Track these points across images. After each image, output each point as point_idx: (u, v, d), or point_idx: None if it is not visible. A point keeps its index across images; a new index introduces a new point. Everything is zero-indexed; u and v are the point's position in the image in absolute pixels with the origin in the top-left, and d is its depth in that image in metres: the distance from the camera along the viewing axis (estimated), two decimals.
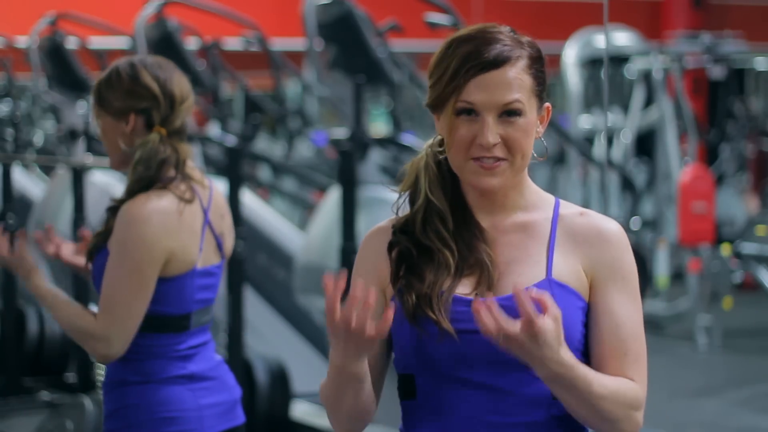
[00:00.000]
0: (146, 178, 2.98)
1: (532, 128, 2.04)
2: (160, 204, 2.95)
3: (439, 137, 2.11)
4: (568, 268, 2.05)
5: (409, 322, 2.02)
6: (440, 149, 2.11)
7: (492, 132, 2.00)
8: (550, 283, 2.03)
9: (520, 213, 2.10)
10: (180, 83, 3.06)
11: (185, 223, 2.98)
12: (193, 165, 3.08)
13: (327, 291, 1.91)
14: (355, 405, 2.06)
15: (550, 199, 2.14)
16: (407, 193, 2.13)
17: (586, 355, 2.07)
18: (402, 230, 2.09)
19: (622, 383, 2.02)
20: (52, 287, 3.03)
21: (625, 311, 2.06)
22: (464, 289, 2.03)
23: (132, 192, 2.99)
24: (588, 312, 2.07)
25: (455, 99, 2.01)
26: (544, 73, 2.07)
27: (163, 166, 2.99)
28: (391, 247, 2.09)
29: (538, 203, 2.11)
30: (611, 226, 2.09)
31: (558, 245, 2.07)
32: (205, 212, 3.04)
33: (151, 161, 2.98)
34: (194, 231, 3.00)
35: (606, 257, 2.07)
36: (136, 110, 3.02)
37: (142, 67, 3.03)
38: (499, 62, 2.01)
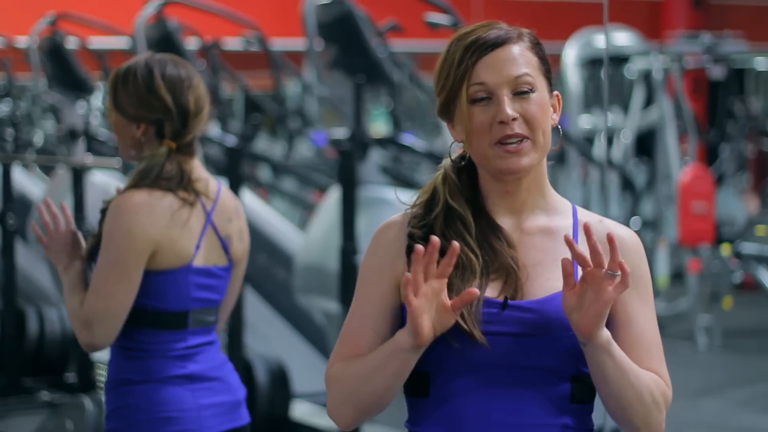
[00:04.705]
0: (143, 186, 2.98)
1: (547, 105, 2.06)
2: (149, 197, 2.95)
3: (457, 149, 2.10)
4: None
5: None
6: (459, 158, 2.10)
7: (509, 106, 2.01)
8: None
9: (542, 215, 2.10)
10: (197, 92, 3.05)
11: (178, 218, 2.97)
12: (199, 176, 3.04)
13: (416, 259, 1.91)
14: (383, 396, 2.02)
15: (568, 204, 2.14)
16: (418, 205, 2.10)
17: None
18: (421, 237, 2.04)
19: (654, 375, 2.08)
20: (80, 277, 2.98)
21: (649, 319, 2.09)
22: (491, 292, 2.02)
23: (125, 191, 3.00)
24: (609, 319, 2.05)
25: (467, 85, 2.03)
26: (546, 57, 2.09)
27: (162, 181, 2.98)
28: (409, 251, 2.04)
29: (558, 207, 2.12)
30: (631, 235, 2.11)
31: (583, 251, 2.06)
32: (208, 214, 3.04)
33: (151, 175, 2.98)
34: (189, 227, 2.99)
35: (630, 269, 2.05)
36: (148, 121, 3.02)
37: (159, 76, 3.00)
38: (501, 41, 2.05)
